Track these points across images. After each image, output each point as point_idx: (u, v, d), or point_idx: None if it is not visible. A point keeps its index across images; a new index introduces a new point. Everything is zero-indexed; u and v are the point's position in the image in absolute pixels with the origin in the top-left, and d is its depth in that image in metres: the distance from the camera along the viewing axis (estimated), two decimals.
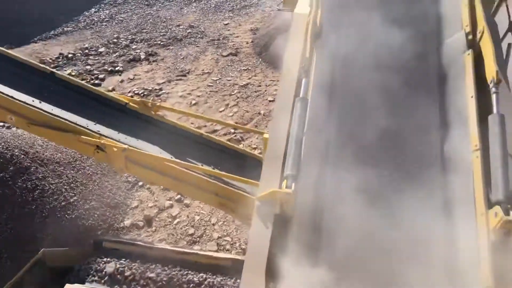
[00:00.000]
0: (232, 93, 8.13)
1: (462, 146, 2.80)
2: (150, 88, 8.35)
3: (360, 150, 3.07)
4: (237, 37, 10.34)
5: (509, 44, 4.43)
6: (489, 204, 2.37)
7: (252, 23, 11.04)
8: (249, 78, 8.56)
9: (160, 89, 8.32)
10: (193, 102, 7.86)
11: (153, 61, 9.42)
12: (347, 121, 3.18)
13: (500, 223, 2.20)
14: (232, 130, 7.07)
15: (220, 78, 8.62)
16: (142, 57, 9.48)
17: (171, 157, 3.87)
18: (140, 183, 6.18)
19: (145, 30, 10.64)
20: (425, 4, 3.99)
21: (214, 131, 7.17)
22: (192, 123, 7.25)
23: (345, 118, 3.19)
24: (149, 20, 11.24)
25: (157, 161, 3.71)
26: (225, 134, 7.03)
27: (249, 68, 8.95)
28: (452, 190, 2.75)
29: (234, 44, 10.02)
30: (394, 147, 3.10)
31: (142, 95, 8.03)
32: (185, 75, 8.77)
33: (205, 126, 7.19)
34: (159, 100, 7.88)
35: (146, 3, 12.15)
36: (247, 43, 10.00)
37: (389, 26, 3.70)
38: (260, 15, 11.43)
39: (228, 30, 10.76)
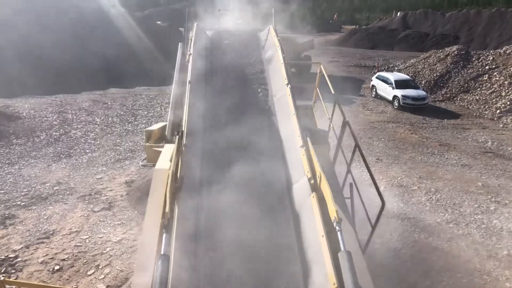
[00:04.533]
0: (104, 251, 7.44)
1: (323, 284, 2.93)
2: (2, 258, 7.16)
3: None
4: (111, 190, 10.03)
5: (350, 184, 5.19)
6: None
7: (127, 175, 10.97)
8: (124, 233, 8.06)
9: (16, 257, 7.19)
10: (56, 268, 6.89)
11: (10, 224, 8.33)
12: (213, 278, 3.12)
13: None
14: None
15: (90, 236, 7.93)
16: None
17: None
18: None
19: (2, 191, 9.63)
20: (277, 156, 4.57)
21: None
22: None
23: (211, 275, 3.13)
24: (9, 179, 10.31)
25: None
26: None
27: (124, 222, 8.52)
28: None
29: (107, 198, 9.63)
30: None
31: None
32: (48, 237, 7.85)
33: None
34: (13, 271, 6.73)
35: (7, 161, 11.30)
36: (122, 196, 9.73)
37: (244, 183, 4.04)
38: (135, 167, 11.50)
39: (101, 184, 10.43)
